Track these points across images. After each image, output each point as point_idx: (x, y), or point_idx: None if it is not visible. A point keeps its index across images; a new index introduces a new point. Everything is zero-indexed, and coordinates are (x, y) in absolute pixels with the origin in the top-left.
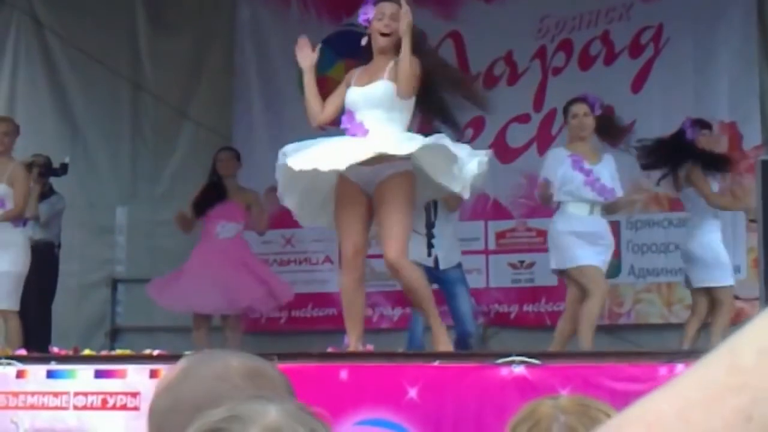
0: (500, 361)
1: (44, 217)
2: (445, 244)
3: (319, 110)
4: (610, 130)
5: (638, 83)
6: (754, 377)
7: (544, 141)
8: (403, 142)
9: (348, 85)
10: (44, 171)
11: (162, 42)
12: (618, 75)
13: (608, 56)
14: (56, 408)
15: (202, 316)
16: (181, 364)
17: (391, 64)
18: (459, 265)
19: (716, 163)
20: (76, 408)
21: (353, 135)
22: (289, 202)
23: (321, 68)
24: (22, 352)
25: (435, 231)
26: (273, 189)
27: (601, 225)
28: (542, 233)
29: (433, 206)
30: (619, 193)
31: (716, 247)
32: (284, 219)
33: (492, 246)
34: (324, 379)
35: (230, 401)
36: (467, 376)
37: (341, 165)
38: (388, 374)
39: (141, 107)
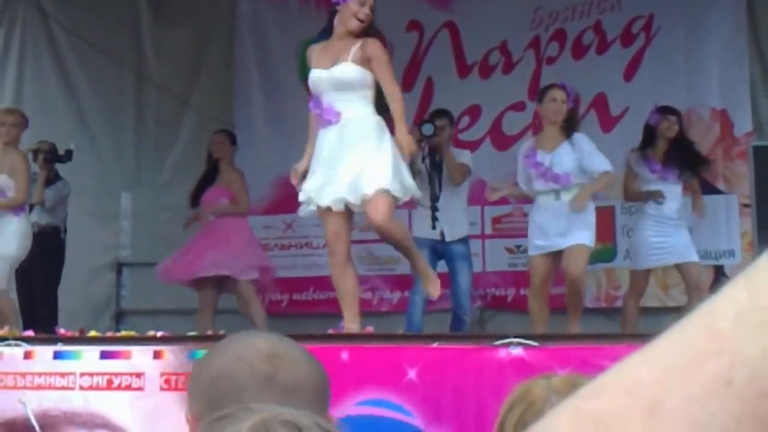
0: (498, 342)
1: (50, 202)
2: (451, 217)
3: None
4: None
5: (630, 72)
6: (732, 341)
7: (538, 129)
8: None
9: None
10: (49, 157)
11: (164, 34)
12: (610, 64)
13: (600, 46)
14: (63, 388)
15: (207, 298)
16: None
17: (356, 47)
18: (465, 240)
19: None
20: (82, 388)
21: (327, 121)
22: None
23: None
24: (29, 333)
25: (440, 204)
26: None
27: (564, 210)
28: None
29: (438, 179)
30: (602, 167)
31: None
32: (285, 204)
33: (488, 231)
34: (325, 360)
35: (240, 380)
36: (466, 358)
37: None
38: (388, 356)
39: (144, 97)
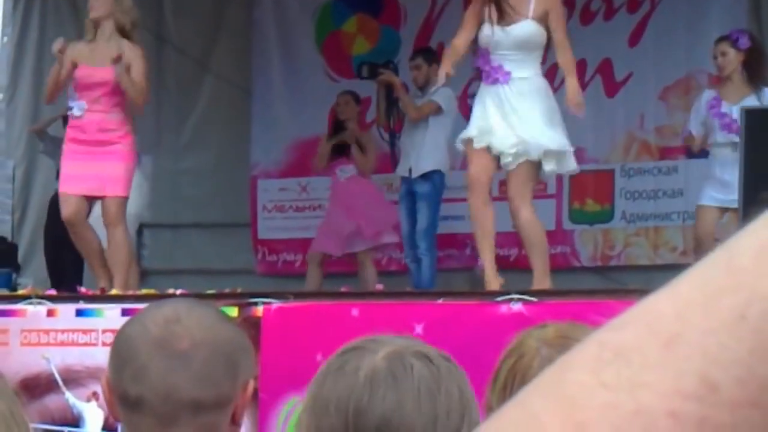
0: (500, 299)
1: None
2: (417, 153)
3: (465, 44)
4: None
5: (635, 38)
6: (750, 277)
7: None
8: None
9: (481, 20)
10: None
11: None
12: (616, 30)
13: (608, 12)
14: (85, 344)
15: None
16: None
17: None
18: (430, 177)
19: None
20: (104, 344)
21: (494, 79)
22: None
23: (335, 23)
24: (52, 292)
25: (402, 141)
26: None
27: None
28: (542, 181)
29: (393, 115)
30: None
31: None
32: (300, 168)
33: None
34: (337, 316)
35: (136, 342)
36: (469, 313)
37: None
38: (396, 312)
39: (164, 60)
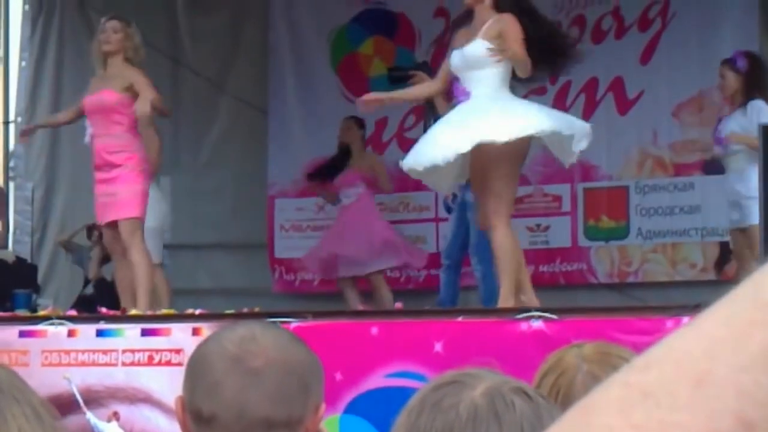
0: (520, 316)
1: None
2: None
3: (426, 90)
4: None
5: (647, 56)
6: None
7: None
8: (501, 126)
9: (452, 48)
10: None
11: (199, 19)
12: (628, 48)
13: (619, 30)
14: (106, 364)
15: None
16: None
17: (491, 20)
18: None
19: None
20: (124, 364)
21: (458, 101)
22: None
23: (351, 45)
24: (72, 312)
25: None
26: None
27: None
28: (557, 198)
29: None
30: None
31: None
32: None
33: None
34: (356, 334)
35: (211, 360)
36: (489, 331)
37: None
38: (416, 330)
39: (181, 82)
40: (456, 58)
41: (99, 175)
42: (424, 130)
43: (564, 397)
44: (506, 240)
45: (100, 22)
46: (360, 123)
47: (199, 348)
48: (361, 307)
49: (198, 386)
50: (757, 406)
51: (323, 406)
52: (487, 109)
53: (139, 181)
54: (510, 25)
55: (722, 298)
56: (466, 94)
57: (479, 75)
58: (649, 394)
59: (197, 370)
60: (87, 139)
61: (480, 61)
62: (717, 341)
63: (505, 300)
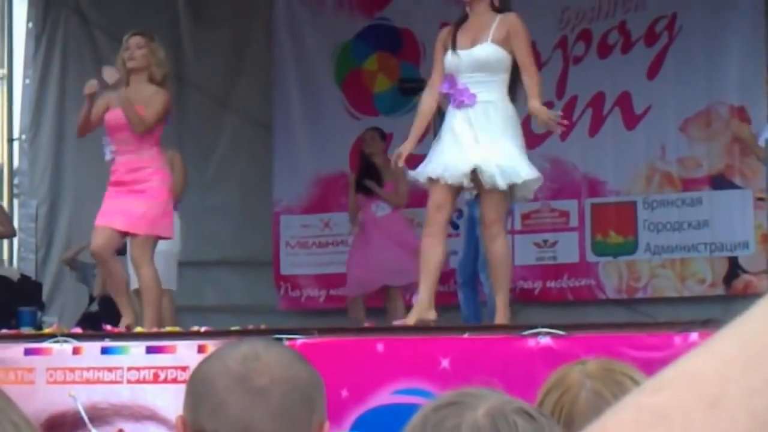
0: (527, 332)
1: None
2: None
3: (432, 104)
4: None
5: (653, 70)
6: None
7: (566, 127)
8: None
9: (445, 48)
10: None
11: (203, 36)
12: (634, 63)
13: (625, 45)
14: (111, 382)
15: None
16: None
17: (496, 22)
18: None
19: None
20: (129, 382)
21: (459, 102)
22: None
23: (356, 61)
24: (77, 330)
25: None
26: None
27: None
28: (565, 214)
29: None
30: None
31: None
32: (322, 204)
33: (518, 226)
34: (362, 351)
35: (214, 379)
36: (496, 347)
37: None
38: (422, 346)
39: (185, 99)
40: (461, 59)
41: (117, 189)
42: (434, 134)
43: (567, 414)
44: (505, 250)
45: (123, 40)
46: (382, 135)
47: (201, 366)
48: (366, 324)
49: (201, 405)
50: None
51: (327, 424)
52: (509, 146)
53: (161, 197)
54: (518, 26)
55: (734, 320)
56: (471, 96)
57: (486, 79)
58: (662, 416)
59: (200, 389)
60: (108, 156)
61: (491, 64)
62: (730, 363)
63: (503, 312)
